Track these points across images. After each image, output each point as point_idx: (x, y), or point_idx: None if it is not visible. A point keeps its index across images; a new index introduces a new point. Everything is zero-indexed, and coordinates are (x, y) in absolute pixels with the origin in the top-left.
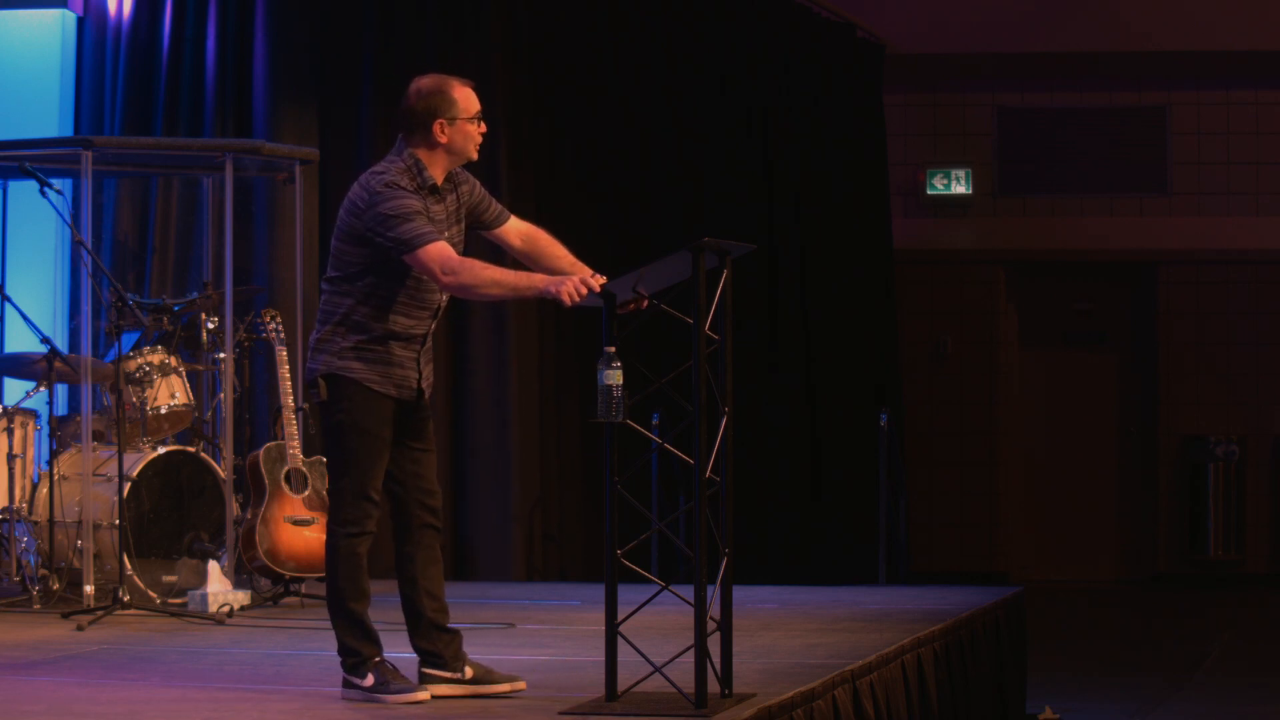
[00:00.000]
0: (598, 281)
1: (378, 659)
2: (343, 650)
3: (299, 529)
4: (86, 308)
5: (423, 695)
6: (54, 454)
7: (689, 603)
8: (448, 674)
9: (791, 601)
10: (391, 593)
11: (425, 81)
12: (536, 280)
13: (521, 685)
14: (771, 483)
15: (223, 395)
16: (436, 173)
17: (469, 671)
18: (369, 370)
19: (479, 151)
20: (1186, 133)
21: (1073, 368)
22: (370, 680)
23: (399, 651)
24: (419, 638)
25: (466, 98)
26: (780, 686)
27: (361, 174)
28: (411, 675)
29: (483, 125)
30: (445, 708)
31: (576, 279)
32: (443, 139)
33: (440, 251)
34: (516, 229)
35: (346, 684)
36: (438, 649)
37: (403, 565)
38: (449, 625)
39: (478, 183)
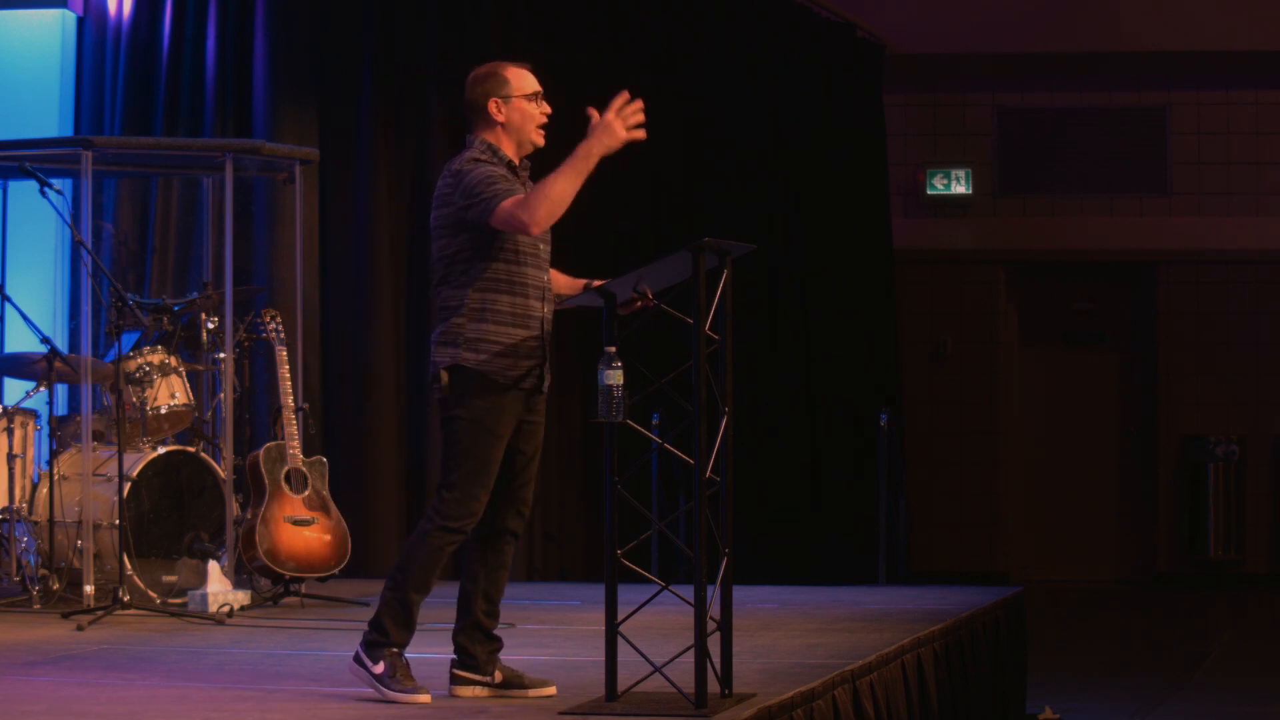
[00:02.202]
0: (631, 112)
1: (397, 650)
2: (375, 625)
3: (299, 529)
4: (86, 308)
5: (422, 699)
6: (54, 454)
7: (689, 603)
8: (478, 676)
9: (791, 601)
10: (444, 594)
11: (479, 69)
12: (590, 148)
13: (551, 690)
14: (771, 483)
15: (223, 395)
16: (510, 155)
17: (499, 675)
18: (497, 361)
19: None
20: (1186, 133)
21: (1073, 368)
22: (381, 668)
23: (418, 652)
24: (461, 634)
25: (520, 76)
26: (780, 686)
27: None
28: (427, 677)
29: (545, 106)
30: (445, 707)
31: (619, 124)
32: (500, 117)
33: (512, 202)
34: None
35: (358, 659)
36: (474, 650)
37: (470, 562)
38: (493, 631)
39: None
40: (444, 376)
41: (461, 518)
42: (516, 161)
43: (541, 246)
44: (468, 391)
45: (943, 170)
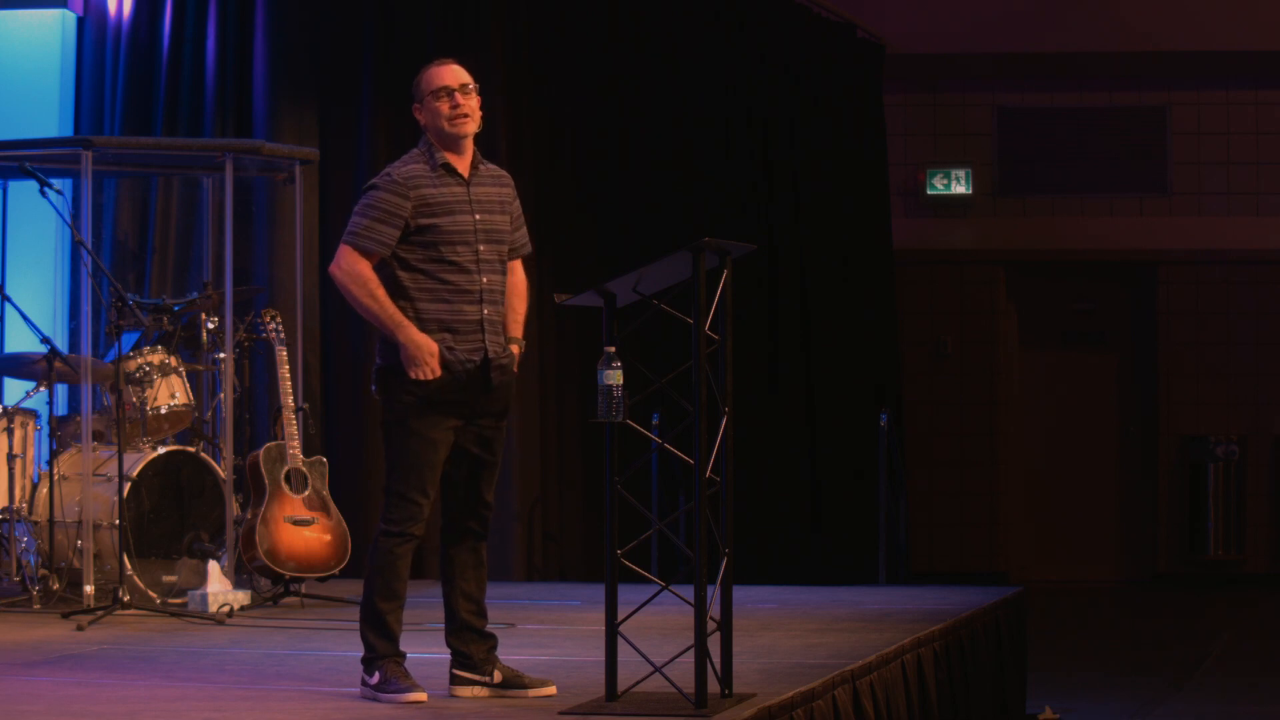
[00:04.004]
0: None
1: (389, 658)
2: (362, 642)
3: (299, 529)
4: (86, 308)
5: (416, 696)
6: (54, 454)
7: (689, 603)
8: (476, 676)
9: (791, 601)
10: (424, 592)
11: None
12: (400, 337)
13: (551, 690)
14: (771, 483)
15: (223, 395)
16: (447, 155)
17: (498, 675)
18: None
19: (482, 129)
20: (1186, 133)
21: (1073, 368)
22: (376, 678)
23: (419, 652)
24: (452, 637)
25: (430, 77)
26: (780, 686)
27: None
28: (427, 677)
29: (459, 97)
30: (445, 706)
31: (428, 363)
32: (422, 119)
33: (352, 253)
34: (512, 268)
35: (362, 679)
36: (469, 650)
37: (444, 565)
38: (484, 629)
39: (519, 207)
40: (376, 381)
41: (401, 521)
42: (455, 159)
43: (482, 249)
44: (396, 395)
45: (943, 170)
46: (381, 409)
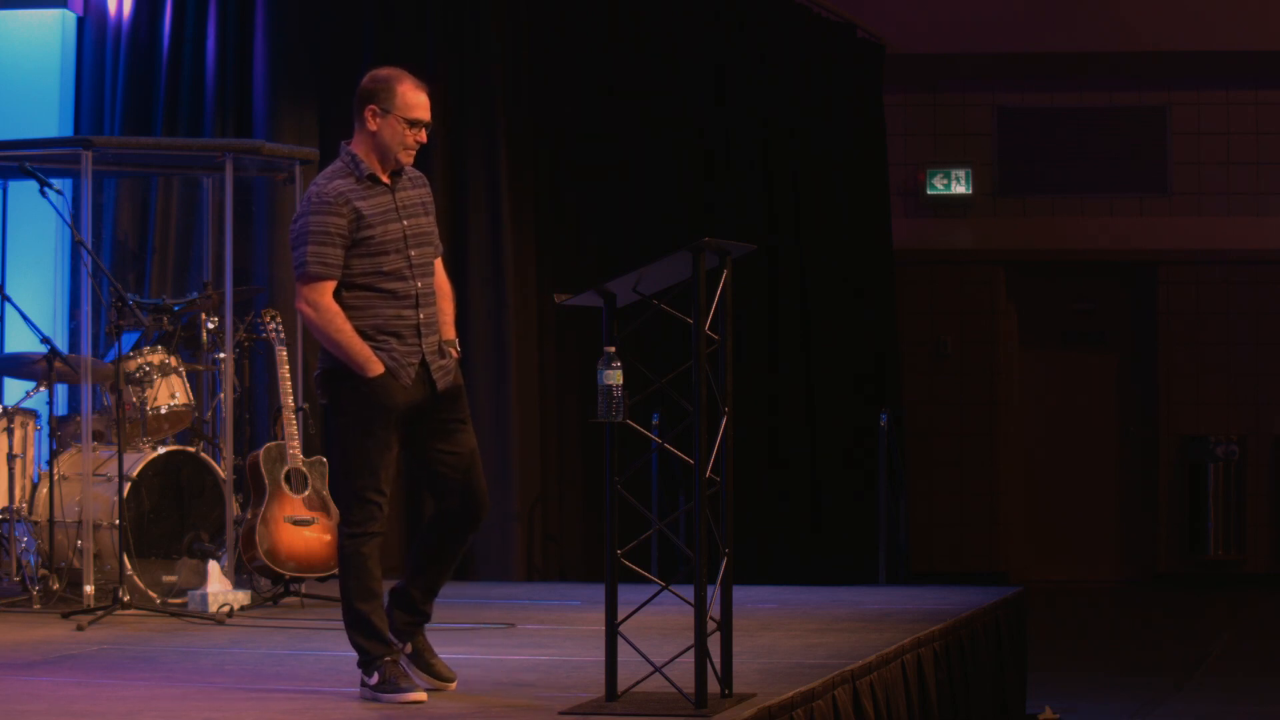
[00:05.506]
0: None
1: (387, 658)
2: (353, 647)
3: (299, 529)
4: (86, 308)
5: (416, 697)
6: (54, 454)
7: (689, 603)
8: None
9: (791, 601)
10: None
11: (381, 70)
12: (370, 367)
13: (451, 687)
14: (771, 483)
15: (223, 395)
16: (373, 165)
17: (409, 647)
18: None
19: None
20: (1186, 133)
21: (1073, 368)
22: (375, 679)
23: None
24: (392, 594)
25: (408, 98)
26: (780, 686)
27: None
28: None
29: (422, 135)
30: (444, 708)
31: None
32: (372, 127)
33: (314, 285)
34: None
35: (362, 680)
36: (394, 615)
37: (423, 546)
38: (424, 608)
39: (433, 205)
40: (321, 385)
41: (363, 522)
42: (381, 172)
43: (413, 254)
44: (340, 396)
45: (943, 170)
46: (330, 413)
